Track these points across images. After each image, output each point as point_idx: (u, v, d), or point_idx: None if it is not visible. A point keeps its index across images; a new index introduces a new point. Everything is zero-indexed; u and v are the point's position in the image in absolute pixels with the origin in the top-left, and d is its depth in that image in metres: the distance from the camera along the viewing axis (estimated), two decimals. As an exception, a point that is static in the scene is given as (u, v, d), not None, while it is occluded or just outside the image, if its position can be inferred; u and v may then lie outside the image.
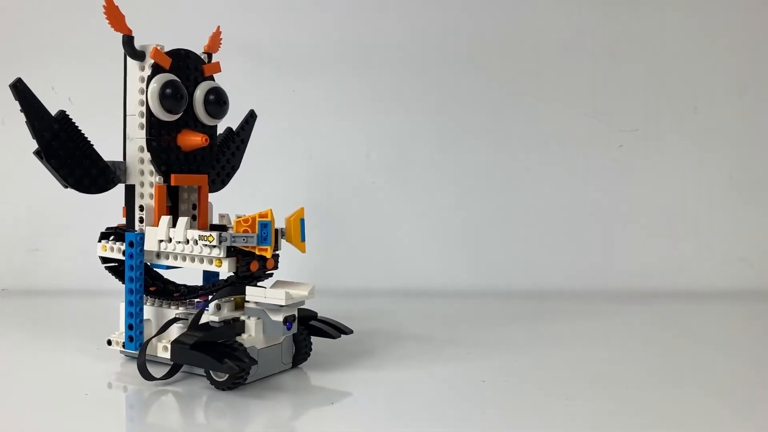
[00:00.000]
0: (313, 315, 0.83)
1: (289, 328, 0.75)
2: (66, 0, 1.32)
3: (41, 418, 0.66)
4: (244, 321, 0.76)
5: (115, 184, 0.80)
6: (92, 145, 0.77)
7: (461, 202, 1.40)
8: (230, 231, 0.75)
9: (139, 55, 0.76)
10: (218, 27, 0.85)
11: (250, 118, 0.96)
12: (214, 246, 0.73)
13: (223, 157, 0.91)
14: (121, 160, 0.80)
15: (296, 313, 0.76)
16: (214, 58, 0.84)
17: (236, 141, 0.93)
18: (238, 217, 0.74)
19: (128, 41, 0.76)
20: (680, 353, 0.92)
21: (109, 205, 1.32)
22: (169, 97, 0.75)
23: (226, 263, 0.73)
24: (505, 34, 1.40)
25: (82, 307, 1.17)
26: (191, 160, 0.80)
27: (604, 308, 1.21)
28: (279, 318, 0.74)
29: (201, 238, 0.73)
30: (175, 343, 0.73)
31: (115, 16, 0.75)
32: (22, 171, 1.31)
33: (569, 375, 0.81)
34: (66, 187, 0.77)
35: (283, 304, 0.73)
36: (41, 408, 0.69)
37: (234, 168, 0.93)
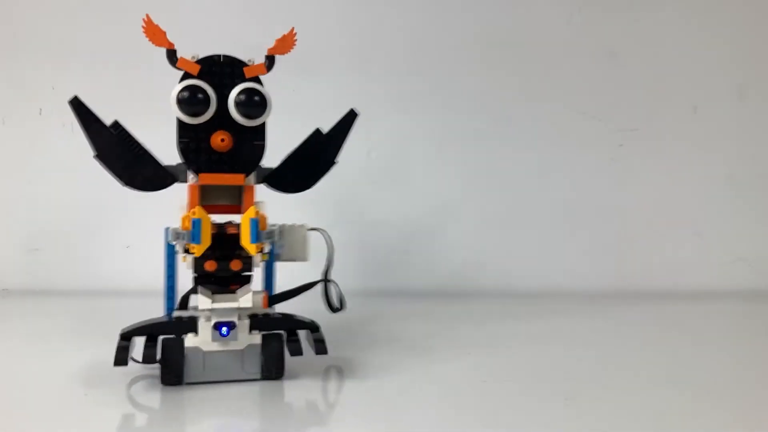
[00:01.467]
0: (297, 326, 0.81)
1: (223, 335, 0.74)
2: (66, 0, 1.32)
3: (41, 418, 0.66)
4: (197, 320, 0.76)
5: (169, 184, 0.82)
6: (145, 148, 0.81)
7: (461, 202, 1.40)
8: (175, 228, 0.76)
9: (176, 65, 0.79)
10: (292, 28, 0.85)
11: (348, 116, 0.88)
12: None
13: (303, 158, 0.87)
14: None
15: (236, 320, 0.74)
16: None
17: (322, 141, 0.88)
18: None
19: (170, 54, 0.80)
20: (680, 353, 0.92)
21: (108, 206, 1.32)
22: (185, 101, 0.77)
23: (188, 259, 0.76)
24: (504, 34, 1.40)
25: (82, 307, 1.17)
26: (226, 161, 0.80)
27: (604, 308, 1.21)
28: (212, 321, 0.74)
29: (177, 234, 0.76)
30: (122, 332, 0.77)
31: (154, 33, 0.79)
32: (22, 171, 1.31)
33: (569, 375, 0.81)
34: (123, 185, 0.81)
35: (207, 308, 0.74)
36: (41, 408, 0.69)
37: (314, 169, 0.88)
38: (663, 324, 1.11)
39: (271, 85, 1.44)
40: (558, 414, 0.68)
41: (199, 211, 0.73)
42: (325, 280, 0.89)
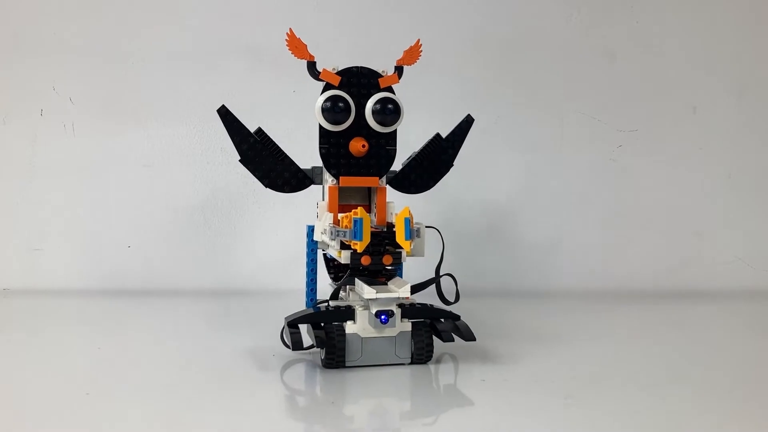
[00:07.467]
0: (441, 315, 0.84)
1: (383, 322, 0.78)
2: (66, 0, 1.32)
3: (41, 418, 0.66)
4: (354, 309, 0.80)
5: (307, 185, 0.89)
6: (284, 153, 0.88)
7: (460, 202, 1.40)
8: (332, 226, 0.81)
9: (318, 77, 0.85)
10: (418, 40, 0.90)
11: (465, 123, 0.95)
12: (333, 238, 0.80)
13: (425, 161, 0.93)
14: (320, 165, 0.88)
15: (393, 309, 0.79)
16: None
17: (443, 145, 0.94)
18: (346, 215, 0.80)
19: (311, 66, 0.86)
20: (680, 353, 0.92)
21: (108, 206, 1.32)
22: (328, 110, 0.83)
23: (343, 254, 0.80)
24: (504, 34, 1.40)
25: (82, 307, 1.17)
26: (362, 164, 0.87)
27: (604, 308, 1.21)
28: (373, 310, 0.78)
29: (325, 231, 0.82)
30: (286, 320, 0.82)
31: (296, 46, 0.85)
32: (22, 171, 1.31)
33: (569, 375, 0.81)
34: (265, 187, 0.88)
35: (372, 297, 0.77)
36: (41, 408, 0.69)
37: (434, 171, 0.94)
38: (663, 324, 1.11)
39: (271, 86, 1.43)
40: (558, 414, 0.68)
41: (360, 212, 0.77)
42: (444, 275, 0.91)
